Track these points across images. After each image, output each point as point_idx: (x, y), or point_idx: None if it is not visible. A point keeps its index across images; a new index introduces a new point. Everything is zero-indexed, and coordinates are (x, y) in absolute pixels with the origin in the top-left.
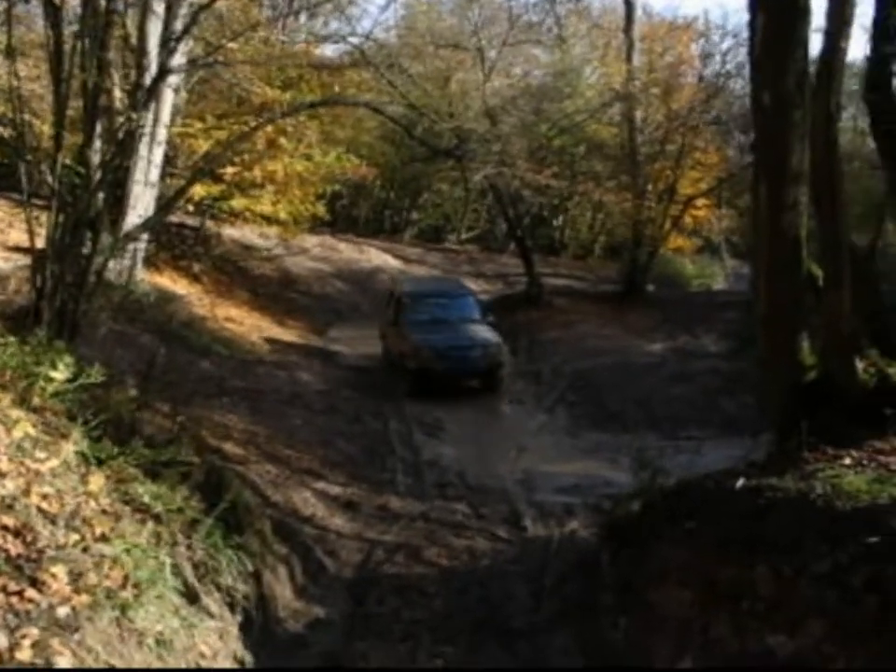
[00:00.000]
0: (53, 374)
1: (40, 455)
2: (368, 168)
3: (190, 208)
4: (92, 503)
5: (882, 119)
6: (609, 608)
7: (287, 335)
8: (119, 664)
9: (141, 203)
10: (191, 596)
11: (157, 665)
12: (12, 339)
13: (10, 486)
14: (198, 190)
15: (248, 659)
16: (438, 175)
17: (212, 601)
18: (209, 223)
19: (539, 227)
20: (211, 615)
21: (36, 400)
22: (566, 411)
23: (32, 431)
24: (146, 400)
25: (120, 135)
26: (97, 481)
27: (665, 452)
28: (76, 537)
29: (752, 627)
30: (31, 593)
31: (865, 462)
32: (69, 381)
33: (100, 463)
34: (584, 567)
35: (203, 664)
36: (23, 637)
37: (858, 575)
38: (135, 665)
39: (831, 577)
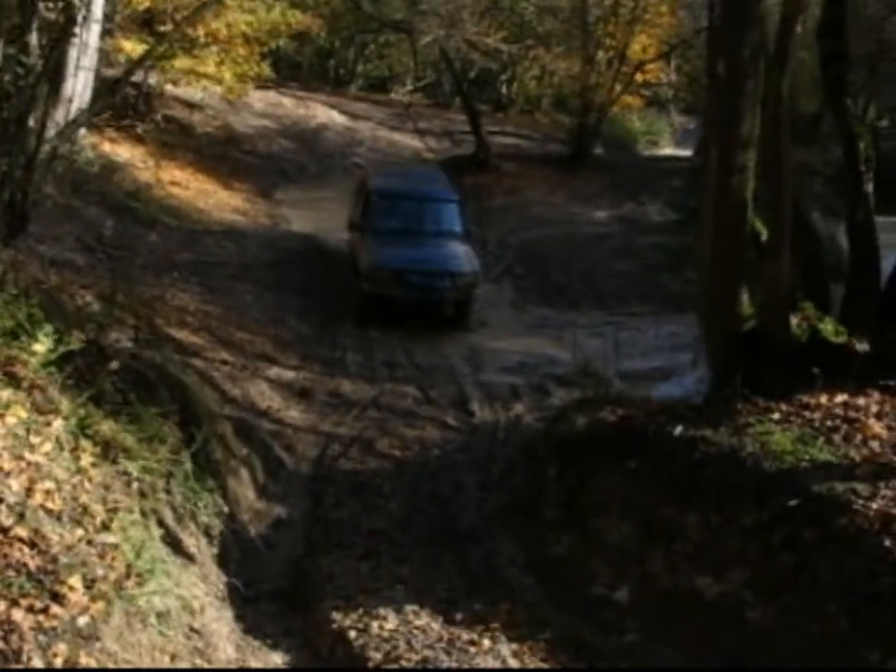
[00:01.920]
0: (36, 347)
1: (34, 440)
2: (312, 17)
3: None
4: (86, 483)
5: (832, 63)
6: (553, 522)
7: (234, 199)
8: (134, 656)
9: (78, 88)
10: (174, 543)
11: (159, 641)
12: None
13: (15, 486)
14: (136, 48)
15: (227, 599)
16: (384, 29)
17: (191, 542)
18: (151, 81)
19: (486, 84)
20: (191, 558)
21: (24, 376)
22: (512, 284)
23: (24, 414)
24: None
25: (60, 19)
26: (87, 456)
27: (609, 329)
28: (80, 532)
29: (683, 567)
30: (54, 608)
31: (793, 418)
32: (50, 350)
33: (84, 431)
34: (528, 457)
35: (195, 623)
36: (55, 655)
37: (777, 533)
38: (144, 649)
39: (754, 531)
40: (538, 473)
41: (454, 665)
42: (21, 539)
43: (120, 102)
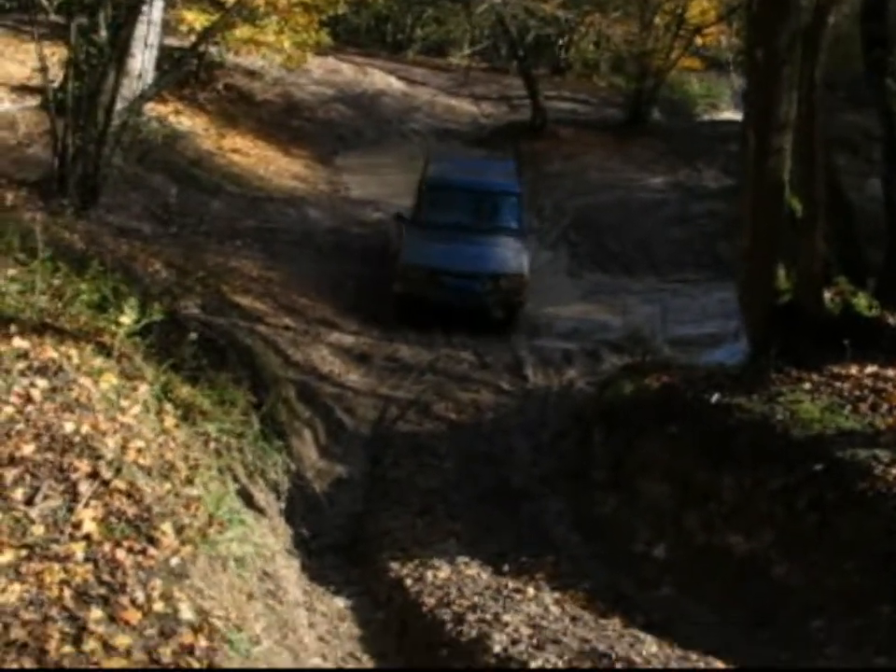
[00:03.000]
0: (122, 319)
1: (124, 403)
2: None
3: (192, 38)
4: (171, 442)
5: (874, 47)
6: (600, 484)
7: (294, 166)
8: (219, 594)
9: (145, 63)
10: (246, 497)
11: (237, 582)
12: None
13: (111, 444)
14: (198, 18)
15: (293, 550)
16: None
17: (261, 497)
18: (212, 50)
19: (543, 48)
20: (262, 511)
21: (112, 345)
22: (567, 250)
23: (115, 381)
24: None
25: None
26: (170, 417)
27: (661, 296)
28: (168, 485)
29: (716, 526)
30: (151, 550)
31: (822, 388)
32: (135, 321)
33: (167, 395)
34: (579, 421)
35: (268, 568)
36: (153, 589)
37: (803, 496)
38: (225, 588)
39: (781, 494)
40: (586, 437)
41: (500, 610)
42: (119, 491)
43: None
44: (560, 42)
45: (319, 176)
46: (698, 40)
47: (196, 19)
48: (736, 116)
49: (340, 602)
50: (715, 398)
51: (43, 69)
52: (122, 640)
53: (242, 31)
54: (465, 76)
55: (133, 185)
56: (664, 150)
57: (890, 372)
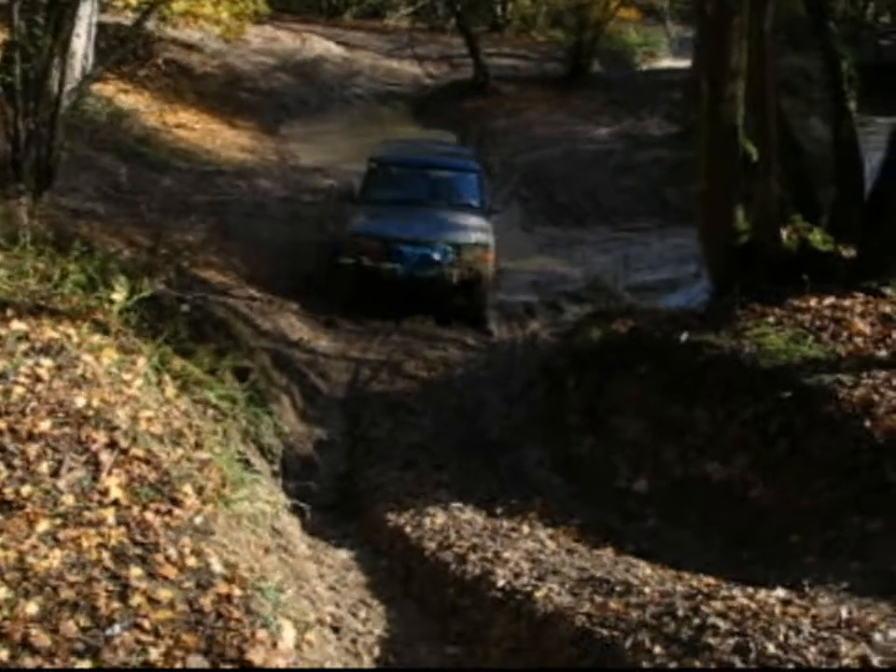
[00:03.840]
0: (114, 296)
1: (126, 376)
2: None
3: (129, 14)
4: (174, 410)
5: (818, 14)
6: (574, 427)
7: (240, 138)
8: (240, 549)
9: (84, 42)
10: (244, 460)
11: (253, 538)
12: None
13: (122, 416)
14: None
15: (290, 504)
16: None
17: (257, 461)
18: (149, 25)
19: (480, 4)
20: (259, 473)
21: (107, 322)
22: (519, 205)
23: (115, 356)
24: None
25: None
26: (169, 388)
27: (617, 244)
28: (180, 451)
29: (693, 457)
30: (176, 510)
31: (785, 320)
32: (126, 298)
33: (164, 367)
34: (547, 370)
35: (276, 525)
36: (183, 546)
37: (773, 422)
38: (243, 544)
39: (753, 422)
40: (556, 385)
41: (499, 548)
42: (138, 458)
43: (118, 45)
44: None
45: (266, 147)
46: None
47: None
48: (675, 64)
49: (343, 554)
50: (684, 336)
51: None
52: (164, 594)
53: (178, 4)
54: (409, 37)
55: (83, 166)
56: (606, 101)
57: (847, 302)
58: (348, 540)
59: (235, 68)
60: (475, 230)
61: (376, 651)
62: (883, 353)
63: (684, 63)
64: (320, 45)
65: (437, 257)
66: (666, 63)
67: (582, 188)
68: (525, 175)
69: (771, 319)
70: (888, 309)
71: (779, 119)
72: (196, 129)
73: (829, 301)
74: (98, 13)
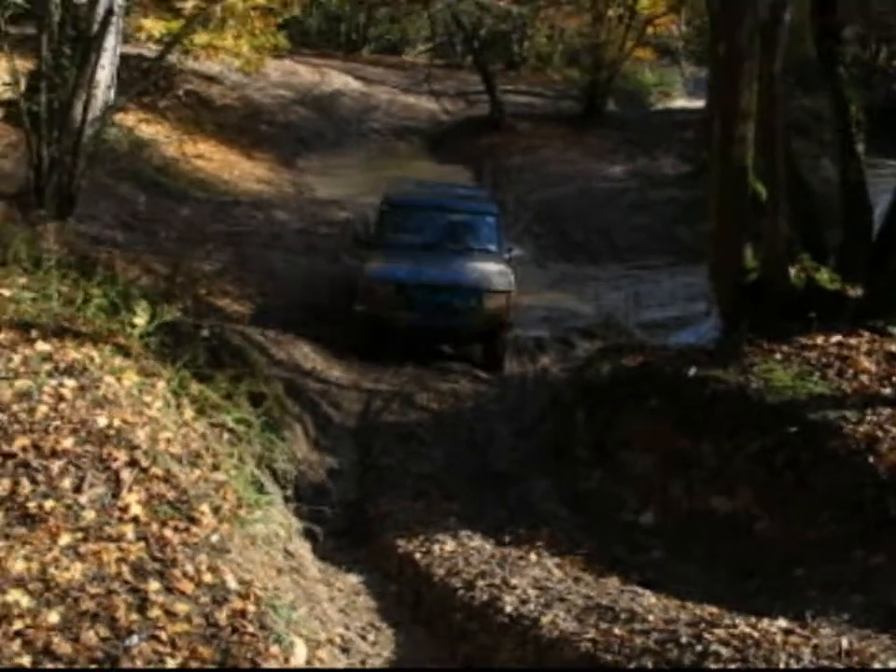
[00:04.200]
0: (136, 320)
1: (147, 398)
2: None
3: (151, 46)
4: (192, 433)
5: (825, 38)
6: (584, 461)
7: (258, 169)
8: (254, 568)
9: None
10: (258, 484)
11: (266, 559)
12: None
13: (142, 436)
14: (156, 25)
15: (302, 529)
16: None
17: (271, 485)
18: (170, 56)
19: (497, 42)
20: (273, 499)
21: (129, 346)
22: (532, 241)
23: (135, 378)
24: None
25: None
26: (188, 410)
27: (629, 282)
28: (198, 472)
29: (699, 490)
30: (193, 528)
31: (792, 357)
32: (148, 323)
33: (183, 390)
34: (557, 404)
35: (289, 547)
36: (199, 563)
37: (779, 456)
38: (258, 564)
39: (759, 456)
40: (566, 418)
41: (507, 575)
42: (157, 477)
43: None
44: (514, 36)
45: (283, 179)
46: (650, 30)
47: (154, 26)
48: (689, 103)
49: (353, 578)
50: (692, 371)
51: (15, 82)
52: (181, 607)
53: (200, 36)
54: (426, 73)
55: (103, 194)
56: (620, 140)
57: (853, 340)
58: (358, 566)
59: (254, 101)
60: (496, 275)
61: None
62: (888, 391)
63: (698, 104)
64: (338, 79)
65: (457, 304)
66: (681, 102)
67: (596, 225)
68: (538, 211)
69: (778, 356)
70: (893, 348)
71: (788, 160)
72: (214, 160)
73: (835, 338)
74: (121, 44)
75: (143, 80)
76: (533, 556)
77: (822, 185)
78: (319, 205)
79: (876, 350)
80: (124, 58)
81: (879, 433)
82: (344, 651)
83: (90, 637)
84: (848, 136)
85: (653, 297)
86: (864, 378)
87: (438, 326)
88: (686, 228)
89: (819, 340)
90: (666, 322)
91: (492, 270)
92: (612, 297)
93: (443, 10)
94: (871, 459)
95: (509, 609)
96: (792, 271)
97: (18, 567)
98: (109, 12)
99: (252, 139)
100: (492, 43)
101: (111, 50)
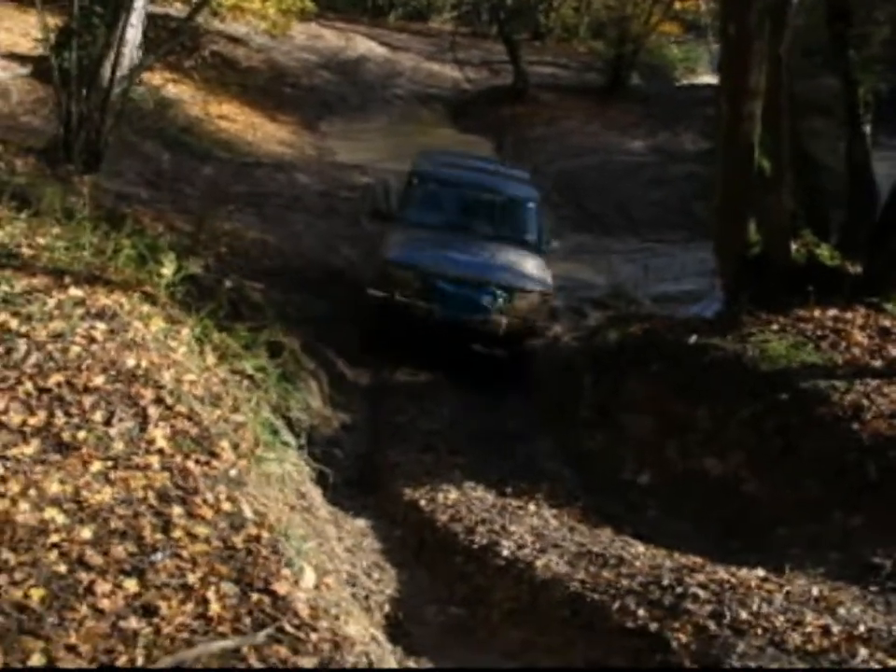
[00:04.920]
0: (163, 271)
1: (172, 343)
2: None
3: (178, 6)
4: (214, 377)
5: (836, 21)
6: (588, 422)
7: (281, 132)
8: (268, 503)
9: (135, 30)
10: (274, 430)
11: (280, 496)
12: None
13: (167, 377)
14: None
15: (313, 474)
16: None
17: (286, 432)
18: (197, 18)
19: (523, 13)
20: (286, 443)
21: (155, 294)
22: (550, 212)
23: (162, 324)
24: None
25: None
26: (210, 356)
27: (643, 255)
28: (218, 412)
29: (694, 452)
30: (213, 462)
31: (788, 328)
32: (174, 273)
33: (206, 338)
34: (567, 369)
35: (301, 489)
36: (219, 493)
37: (770, 421)
38: (272, 500)
39: (751, 421)
40: (575, 383)
41: (506, 523)
42: (181, 414)
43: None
44: (540, 7)
45: (306, 142)
46: (676, 5)
47: None
48: (714, 80)
49: (361, 522)
50: (692, 339)
51: (45, 39)
52: (201, 530)
53: None
54: (451, 41)
55: (128, 152)
56: (643, 114)
57: (849, 315)
58: (366, 511)
59: (279, 63)
60: (532, 272)
61: (387, 608)
62: (878, 363)
63: None
64: (363, 44)
65: (485, 301)
66: (706, 79)
67: (614, 198)
68: (557, 182)
69: (775, 327)
70: (887, 323)
71: (795, 138)
72: (238, 121)
73: (832, 312)
74: (148, 3)
75: (171, 40)
76: (532, 507)
77: (840, 163)
78: (341, 169)
79: (870, 325)
80: (151, 17)
81: (865, 402)
82: (351, 584)
83: (119, 551)
84: (856, 117)
85: (667, 270)
86: (856, 350)
87: (459, 322)
88: (703, 204)
89: (816, 313)
90: (679, 295)
91: (527, 265)
92: (626, 269)
93: None
94: (855, 426)
95: (506, 552)
96: (794, 246)
97: (53, 488)
98: None
99: (276, 101)
100: (518, 13)
101: (140, 9)
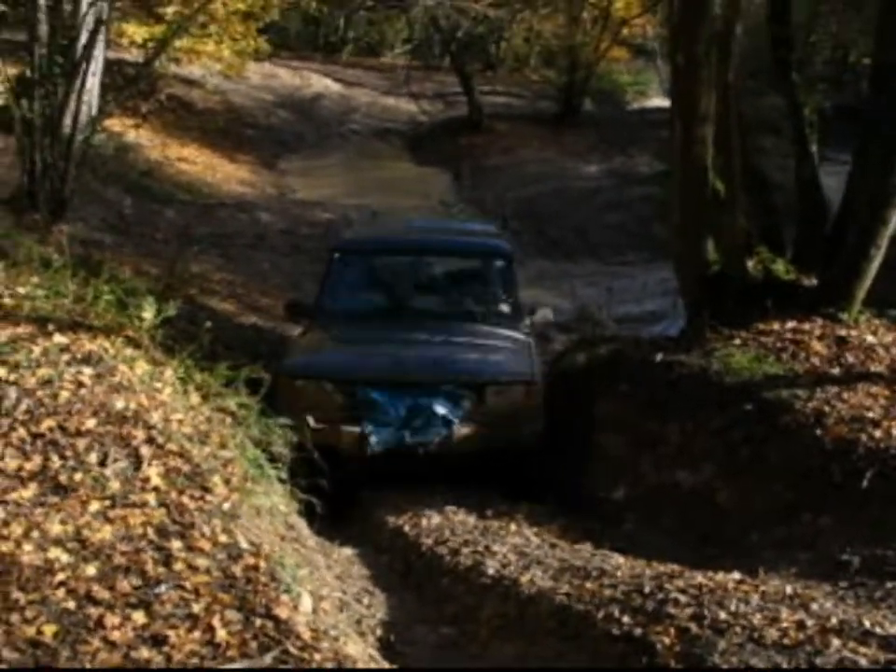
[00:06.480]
0: (144, 315)
1: (157, 385)
2: None
3: (133, 51)
4: (199, 416)
5: (779, 47)
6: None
7: (240, 172)
8: (261, 533)
9: (96, 78)
10: (258, 466)
11: (271, 528)
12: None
13: (156, 417)
14: (138, 31)
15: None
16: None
17: (268, 466)
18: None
19: (474, 44)
20: (272, 478)
21: (138, 338)
22: (510, 239)
23: (146, 367)
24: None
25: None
26: (194, 396)
27: (605, 278)
28: (207, 449)
29: (666, 465)
30: (208, 497)
31: (750, 342)
32: (155, 317)
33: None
34: None
35: (289, 521)
36: (215, 526)
37: (737, 432)
38: (264, 531)
39: (719, 433)
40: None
41: (489, 543)
42: (173, 452)
43: (123, 82)
44: (491, 38)
45: (266, 181)
46: (625, 31)
47: (136, 31)
48: (665, 103)
49: (348, 551)
50: (659, 357)
51: (11, 89)
52: (202, 562)
53: (182, 41)
54: (405, 75)
55: (90, 198)
56: (597, 139)
57: (807, 326)
58: (351, 541)
59: (236, 104)
60: (508, 357)
61: (379, 631)
62: (836, 371)
63: None
64: (319, 82)
65: (440, 409)
66: (656, 101)
67: (572, 223)
68: (516, 210)
69: (737, 341)
70: (843, 332)
71: (748, 159)
72: (198, 163)
73: (790, 325)
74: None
75: (129, 86)
76: (513, 527)
77: (791, 180)
78: (302, 206)
79: (828, 335)
80: (107, 63)
81: (826, 408)
82: (342, 610)
83: (124, 585)
84: (802, 137)
85: (629, 292)
86: (815, 360)
87: (406, 449)
88: (661, 225)
89: (776, 326)
90: (641, 316)
91: (501, 347)
92: (589, 292)
93: (421, 11)
94: (818, 432)
95: (491, 571)
96: (751, 263)
97: (55, 529)
98: (99, 21)
99: (234, 142)
100: (469, 45)
101: (99, 57)
